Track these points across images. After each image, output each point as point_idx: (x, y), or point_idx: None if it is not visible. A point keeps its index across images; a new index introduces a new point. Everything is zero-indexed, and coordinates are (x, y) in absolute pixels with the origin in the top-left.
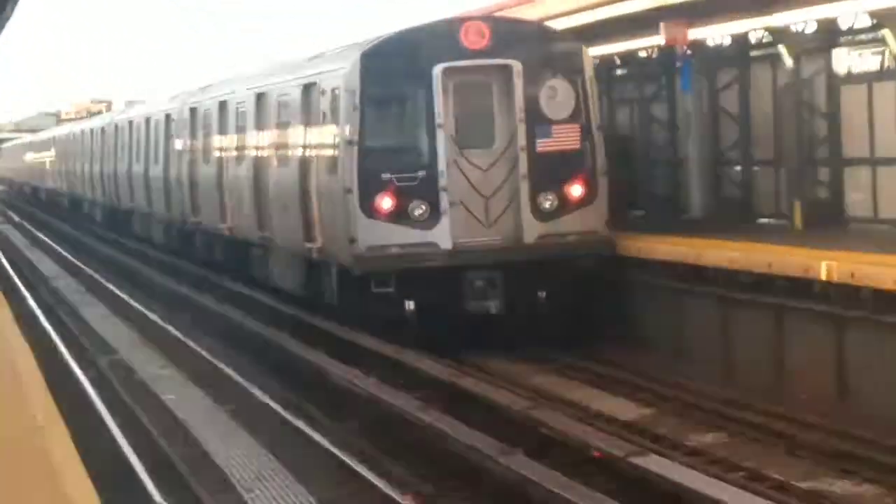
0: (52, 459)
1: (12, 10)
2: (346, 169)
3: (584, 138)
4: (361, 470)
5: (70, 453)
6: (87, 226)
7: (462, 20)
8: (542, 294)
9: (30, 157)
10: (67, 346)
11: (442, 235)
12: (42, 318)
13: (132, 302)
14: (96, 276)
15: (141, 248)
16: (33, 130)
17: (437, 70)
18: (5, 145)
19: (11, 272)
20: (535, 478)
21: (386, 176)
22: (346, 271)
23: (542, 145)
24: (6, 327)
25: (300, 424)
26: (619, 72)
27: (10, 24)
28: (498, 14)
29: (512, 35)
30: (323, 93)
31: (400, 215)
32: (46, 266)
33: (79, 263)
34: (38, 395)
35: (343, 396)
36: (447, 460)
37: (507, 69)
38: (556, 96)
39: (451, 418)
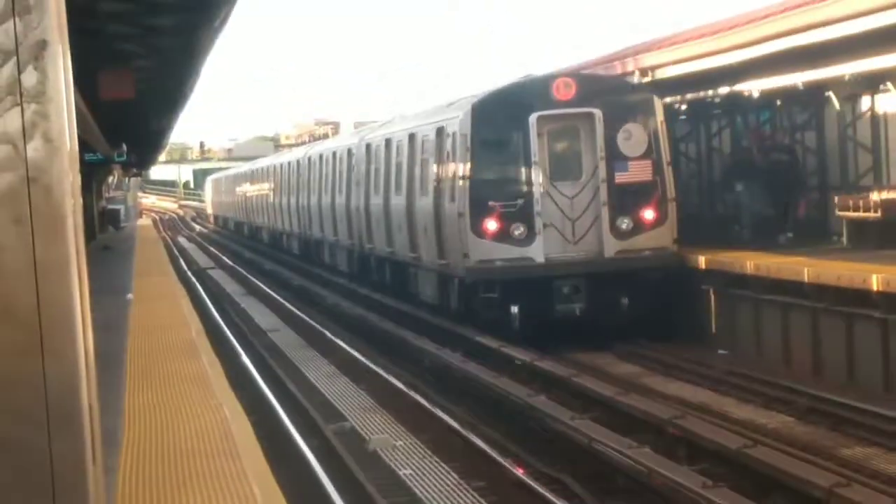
0: None
1: (223, 21)
2: (461, 197)
3: (655, 172)
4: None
5: None
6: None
7: (554, 76)
8: (625, 300)
9: (229, 190)
10: None
11: (537, 251)
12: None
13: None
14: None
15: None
16: (248, 158)
17: (533, 118)
18: (213, 176)
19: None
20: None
21: (492, 203)
22: (462, 282)
23: (620, 178)
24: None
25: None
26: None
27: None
28: (584, 71)
29: (595, 87)
30: (448, 135)
31: (503, 235)
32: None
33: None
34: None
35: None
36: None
37: (590, 116)
38: (631, 138)
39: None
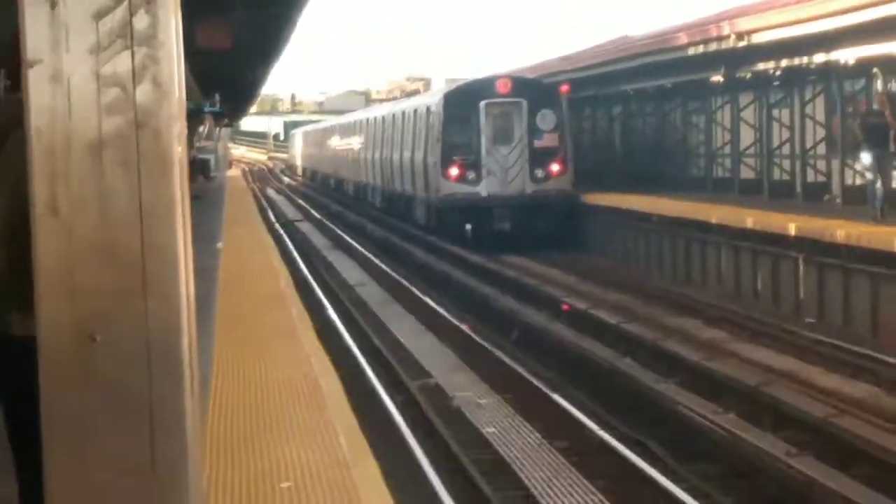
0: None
1: None
2: (435, 153)
3: (560, 141)
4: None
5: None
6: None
7: (498, 77)
8: (539, 223)
9: (316, 143)
10: None
11: (482, 189)
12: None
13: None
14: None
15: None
16: (339, 112)
17: (483, 104)
18: (300, 129)
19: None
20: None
21: (455, 157)
22: (434, 208)
23: (537, 144)
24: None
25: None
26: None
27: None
28: (516, 74)
29: (523, 85)
30: (432, 113)
31: (461, 178)
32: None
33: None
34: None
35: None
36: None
37: (519, 104)
38: (545, 119)
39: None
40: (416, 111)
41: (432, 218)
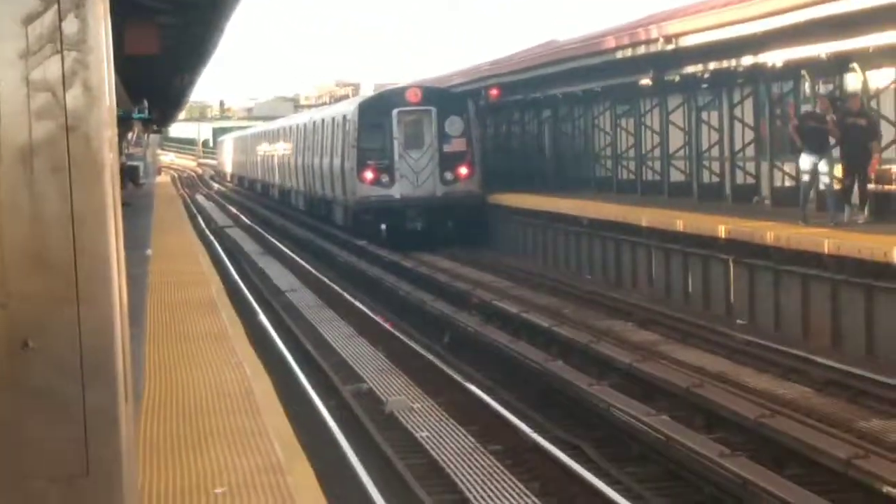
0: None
1: None
2: (351, 158)
3: (468, 146)
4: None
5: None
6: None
7: (409, 87)
8: (449, 222)
9: (242, 149)
10: None
11: (396, 191)
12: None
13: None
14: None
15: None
16: (268, 118)
17: (395, 112)
18: (226, 136)
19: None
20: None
21: (370, 162)
22: (350, 210)
23: (446, 148)
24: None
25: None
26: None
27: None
28: (427, 84)
29: (433, 94)
30: (348, 121)
31: (376, 181)
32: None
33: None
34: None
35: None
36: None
37: (429, 111)
38: (453, 125)
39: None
40: (333, 119)
41: (349, 219)
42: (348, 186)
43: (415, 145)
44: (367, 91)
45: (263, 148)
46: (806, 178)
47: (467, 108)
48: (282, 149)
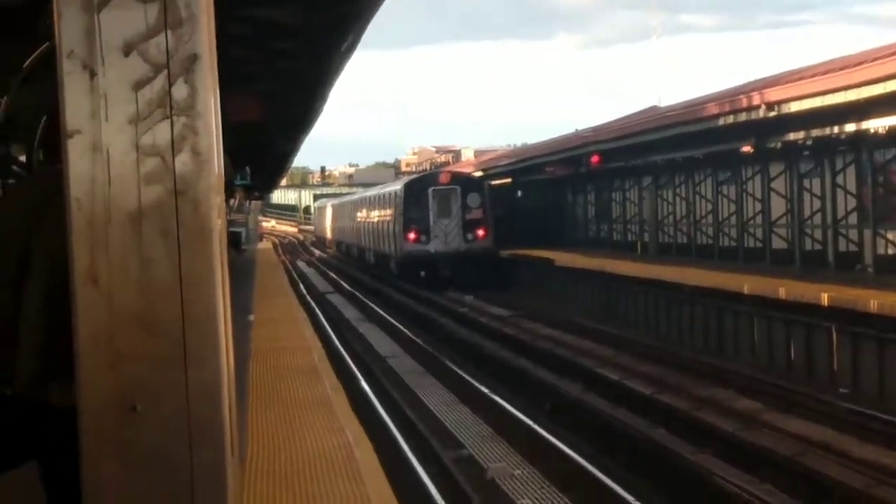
0: None
1: (351, 47)
2: (399, 223)
3: (483, 214)
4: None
5: None
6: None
7: (441, 171)
8: (472, 271)
9: (338, 216)
10: None
11: (431, 248)
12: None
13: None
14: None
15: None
16: (368, 184)
17: (430, 189)
18: (320, 202)
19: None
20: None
21: (412, 226)
22: (399, 261)
23: (468, 216)
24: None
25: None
26: None
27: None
28: (455, 168)
29: (458, 176)
30: (396, 196)
31: (416, 240)
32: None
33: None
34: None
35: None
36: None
37: (455, 189)
38: (474, 199)
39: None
40: (389, 194)
41: (399, 267)
42: (398, 244)
43: (445, 214)
44: (469, 155)
45: (348, 214)
46: None
47: (483, 187)
48: (361, 215)
